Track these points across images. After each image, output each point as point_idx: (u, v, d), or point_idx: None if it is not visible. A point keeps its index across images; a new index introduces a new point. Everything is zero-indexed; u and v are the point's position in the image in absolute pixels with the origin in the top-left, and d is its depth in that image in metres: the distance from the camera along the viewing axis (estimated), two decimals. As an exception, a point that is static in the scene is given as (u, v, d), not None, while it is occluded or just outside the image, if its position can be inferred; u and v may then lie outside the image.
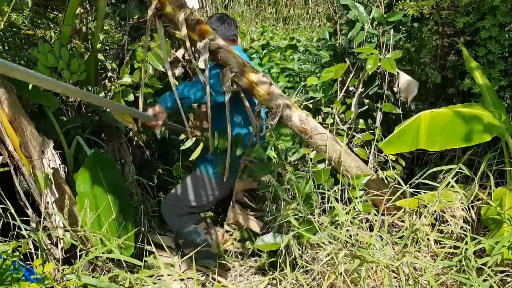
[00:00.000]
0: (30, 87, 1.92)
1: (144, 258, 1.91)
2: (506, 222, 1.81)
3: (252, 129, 2.20)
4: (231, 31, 2.30)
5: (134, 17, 2.45)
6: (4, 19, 1.77)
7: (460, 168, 1.98)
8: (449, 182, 1.95)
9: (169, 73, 1.98)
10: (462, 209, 1.99)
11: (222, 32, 2.27)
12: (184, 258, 1.89)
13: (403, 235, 1.83)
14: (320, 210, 2.15)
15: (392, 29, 2.41)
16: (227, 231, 2.45)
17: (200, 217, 2.39)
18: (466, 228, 1.82)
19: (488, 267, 1.63)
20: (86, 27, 2.44)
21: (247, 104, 2.09)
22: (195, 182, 2.32)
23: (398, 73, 2.35)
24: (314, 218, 1.96)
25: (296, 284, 1.95)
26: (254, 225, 2.32)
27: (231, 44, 2.30)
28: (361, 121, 2.52)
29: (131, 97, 2.39)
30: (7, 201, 1.93)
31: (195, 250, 1.88)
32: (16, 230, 1.92)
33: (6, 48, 2.47)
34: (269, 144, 2.36)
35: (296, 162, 2.38)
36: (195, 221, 2.33)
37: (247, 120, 2.25)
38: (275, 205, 2.27)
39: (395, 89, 2.43)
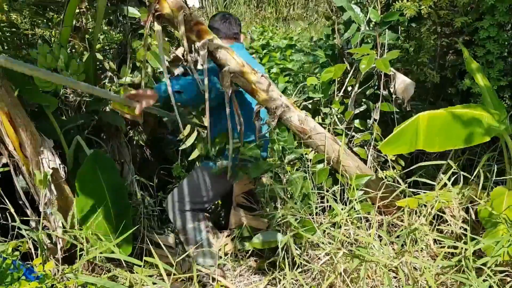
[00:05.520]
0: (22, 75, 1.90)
1: (144, 258, 1.91)
2: (502, 223, 1.80)
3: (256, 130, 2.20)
4: (232, 30, 2.35)
5: (136, 16, 2.45)
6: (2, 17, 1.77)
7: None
8: (446, 182, 1.95)
9: (165, 74, 1.96)
10: (462, 209, 1.99)
11: (224, 30, 2.32)
12: (183, 255, 1.88)
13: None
14: (320, 210, 2.15)
15: (389, 30, 2.40)
16: (228, 236, 2.45)
17: (203, 216, 2.40)
18: (466, 228, 1.82)
19: (488, 267, 1.63)
20: (85, 27, 2.44)
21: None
22: (197, 177, 2.35)
23: (394, 73, 2.35)
24: (313, 218, 1.96)
25: (295, 284, 1.96)
26: (259, 224, 2.32)
27: (233, 42, 2.35)
28: (356, 121, 2.52)
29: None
30: (7, 201, 1.94)
31: (196, 250, 1.88)
32: (16, 229, 1.92)
33: (6, 48, 2.47)
34: (268, 143, 2.36)
35: (293, 162, 2.38)
36: (198, 218, 2.35)
37: (249, 120, 2.25)
38: (273, 205, 2.27)
39: (391, 90, 2.43)
